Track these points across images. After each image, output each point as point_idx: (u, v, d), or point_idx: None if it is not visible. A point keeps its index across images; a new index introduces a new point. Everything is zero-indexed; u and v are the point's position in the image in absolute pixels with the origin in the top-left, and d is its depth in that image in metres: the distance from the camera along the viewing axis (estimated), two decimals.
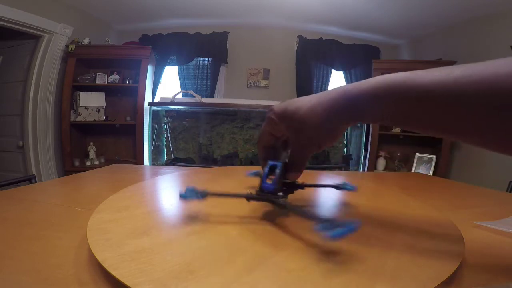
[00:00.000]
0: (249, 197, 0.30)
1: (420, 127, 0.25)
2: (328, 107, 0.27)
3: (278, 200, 0.29)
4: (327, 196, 0.46)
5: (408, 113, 0.24)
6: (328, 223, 0.23)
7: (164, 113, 2.58)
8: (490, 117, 0.20)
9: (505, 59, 0.20)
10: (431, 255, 0.24)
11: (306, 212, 0.28)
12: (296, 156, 0.31)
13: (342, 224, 0.23)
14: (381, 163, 2.59)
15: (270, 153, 0.34)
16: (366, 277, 0.20)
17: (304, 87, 2.93)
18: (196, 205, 0.39)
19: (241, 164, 2.51)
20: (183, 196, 0.28)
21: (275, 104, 0.31)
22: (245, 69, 3.01)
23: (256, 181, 0.35)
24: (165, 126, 2.60)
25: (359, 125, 2.58)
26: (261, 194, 0.30)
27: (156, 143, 2.55)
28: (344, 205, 0.44)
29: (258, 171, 0.43)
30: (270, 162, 0.32)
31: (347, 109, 0.27)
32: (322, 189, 0.43)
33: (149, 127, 2.46)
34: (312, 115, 0.28)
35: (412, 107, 0.24)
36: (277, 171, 0.31)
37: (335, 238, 0.22)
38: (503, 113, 0.20)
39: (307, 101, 0.29)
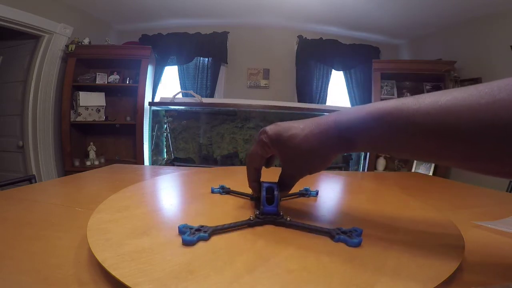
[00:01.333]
0: (252, 224, 0.30)
1: (409, 155, 0.26)
2: (320, 137, 0.28)
3: (283, 221, 0.30)
4: (326, 198, 0.46)
5: (396, 142, 0.25)
6: (346, 235, 0.26)
7: (164, 113, 2.58)
8: (474, 145, 0.21)
9: (488, 85, 0.20)
10: (431, 255, 0.24)
11: (317, 228, 0.28)
12: (287, 178, 0.33)
13: (354, 231, 0.27)
14: (381, 163, 2.59)
15: (259, 175, 0.35)
16: (366, 277, 0.20)
17: (304, 87, 2.93)
18: (197, 205, 0.39)
19: (241, 164, 2.50)
20: (189, 240, 0.25)
21: (268, 126, 0.32)
22: (245, 69, 3.01)
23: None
24: (165, 126, 2.59)
25: None
26: (264, 217, 0.30)
27: (156, 142, 2.55)
28: (344, 206, 0.44)
29: (223, 186, 0.44)
30: (266, 184, 0.33)
31: (337, 139, 0.28)
32: (319, 195, 0.44)
33: (149, 127, 2.46)
34: (305, 145, 0.29)
35: (400, 137, 0.24)
36: (275, 192, 0.32)
37: (358, 245, 0.25)
38: (486, 142, 0.20)
39: (300, 130, 0.29)
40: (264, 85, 3.02)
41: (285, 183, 0.34)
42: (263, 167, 0.35)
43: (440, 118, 0.21)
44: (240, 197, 0.42)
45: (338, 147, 0.28)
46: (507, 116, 0.19)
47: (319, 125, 0.29)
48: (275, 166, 0.38)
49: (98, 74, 2.49)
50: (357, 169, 2.66)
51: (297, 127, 0.30)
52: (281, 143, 0.30)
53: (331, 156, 0.30)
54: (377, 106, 0.25)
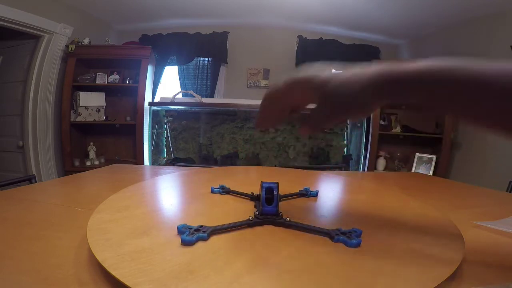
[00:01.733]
0: (251, 224, 0.30)
1: (461, 115, 0.25)
2: (365, 83, 0.26)
3: (282, 221, 0.30)
4: (326, 198, 0.46)
5: (449, 101, 0.24)
6: (345, 235, 0.26)
7: (164, 113, 2.57)
8: None
9: None
10: (431, 255, 0.24)
11: (316, 229, 0.28)
12: (317, 118, 0.29)
13: (353, 232, 0.27)
14: (381, 163, 2.59)
15: (280, 118, 0.32)
16: (366, 277, 0.20)
17: None
18: (197, 205, 0.39)
19: (241, 164, 2.50)
20: (187, 240, 0.25)
21: (299, 70, 0.29)
22: (245, 69, 3.01)
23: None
24: (165, 126, 2.59)
25: (358, 125, 2.58)
26: (263, 218, 0.31)
27: (156, 142, 2.55)
28: (344, 206, 0.44)
29: (223, 186, 0.44)
30: (265, 184, 0.33)
31: (387, 87, 0.26)
32: (319, 196, 0.44)
33: (149, 127, 2.46)
34: (348, 86, 0.26)
35: (457, 96, 0.23)
36: (275, 192, 0.32)
37: (357, 246, 0.25)
38: None
39: (341, 73, 0.27)
40: (264, 85, 3.02)
41: (315, 121, 0.30)
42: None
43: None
44: (240, 197, 0.42)
45: (383, 96, 0.26)
46: None
47: (367, 70, 0.27)
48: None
49: (98, 74, 2.49)
50: (357, 169, 2.66)
51: (334, 71, 0.28)
52: (319, 83, 0.27)
53: (374, 104, 0.27)
54: (438, 61, 0.24)
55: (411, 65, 0.25)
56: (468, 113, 0.25)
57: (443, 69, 0.24)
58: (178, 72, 2.96)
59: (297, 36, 2.93)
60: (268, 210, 0.31)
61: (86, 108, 2.41)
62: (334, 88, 0.27)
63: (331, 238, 0.27)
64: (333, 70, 0.28)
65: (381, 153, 2.59)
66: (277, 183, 0.34)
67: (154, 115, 2.48)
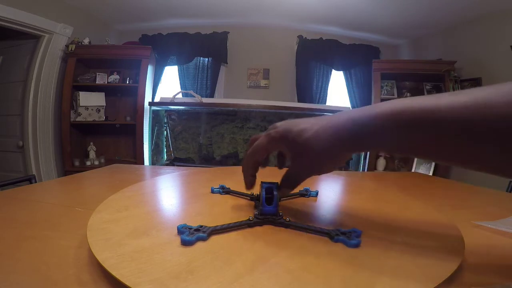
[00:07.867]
0: (251, 224, 0.30)
1: (428, 156, 0.24)
2: (333, 134, 0.27)
3: (282, 221, 0.30)
4: (326, 198, 0.46)
5: (415, 142, 0.24)
6: (345, 236, 0.26)
7: (164, 113, 2.58)
8: (498, 146, 0.20)
9: (504, 86, 0.19)
10: (431, 255, 0.24)
11: (316, 229, 0.28)
12: (293, 176, 0.32)
13: (353, 232, 0.27)
14: (381, 163, 2.59)
15: (257, 169, 0.34)
16: (366, 277, 0.20)
17: (304, 87, 2.93)
18: (197, 205, 0.39)
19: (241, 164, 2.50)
20: (187, 240, 0.25)
21: (279, 122, 0.31)
22: (245, 69, 3.01)
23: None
24: (165, 126, 2.59)
25: None
26: (263, 218, 0.31)
27: (156, 142, 2.55)
28: (344, 206, 0.44)
29: (223, 186, 0.44)
30: (265, 184, 0.33)
31: (352, 137, 0.26)
32: (319, 195, 0.44)
33: (149, 127, 2.46)
34: (315, 141, 0.27)
35: (420, 136, 0.23)
36: (275, 192, 0.32)
37: (357, 246, 0.25)
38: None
39: (310, 125, 0.28)
40: (264, 85, 3.02)
41: (290, 181, 0.32)
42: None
43: (464, 115, 0.20)
44: (240, 197, 0.42)
45: (350, 146, 0.27)
46: None
47: (331, 122, 0.27)
48: (282, 167, 0.37)
49: (98, 74, 2.49)
50: (357, 169, 2.66)
51: (307, 122, 0.28)
52: (290, 138, 0.29)
53: (343, 155, 0.28)
54: (396, 103, 0.24)
55: (372, 110, 0.25)
56: (432, 154, 0.24)
57: (400, 111, 0.23)
58: (178, 72, 2.96)
59: (297, 36, 2.93)
60: (268, 210, 0.31)
61: (86, 108, 2.41)
62: (306, 141, 0.27)
63: (331, 238, 0.27)
64: (306, 122, 0.29)
65: (381, 153, 2.59)
66: (277, 183, 0.34)
67: (154, 115, 2.48)
